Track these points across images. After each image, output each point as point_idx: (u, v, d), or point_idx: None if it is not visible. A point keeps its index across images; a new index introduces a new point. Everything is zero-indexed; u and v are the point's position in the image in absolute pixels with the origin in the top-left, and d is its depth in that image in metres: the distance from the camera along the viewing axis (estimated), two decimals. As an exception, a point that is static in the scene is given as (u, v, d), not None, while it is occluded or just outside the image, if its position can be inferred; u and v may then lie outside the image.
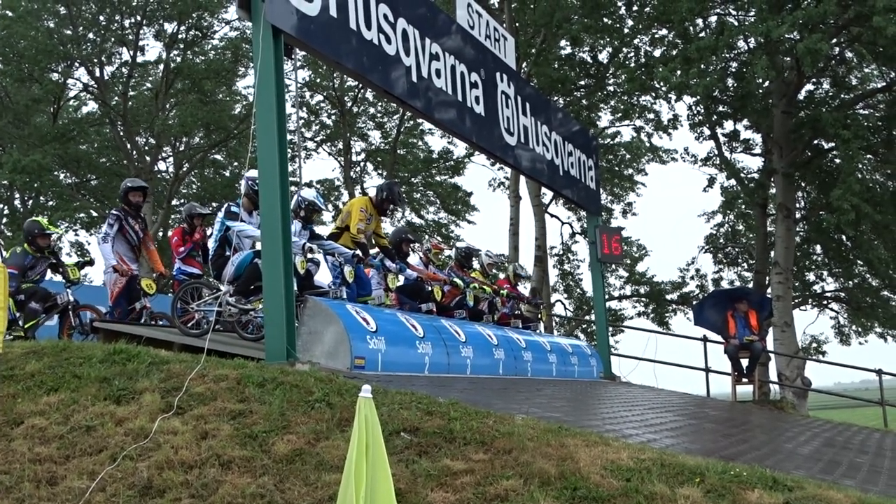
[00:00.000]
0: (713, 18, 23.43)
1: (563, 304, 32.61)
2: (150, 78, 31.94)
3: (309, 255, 9.03)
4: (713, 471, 5.08)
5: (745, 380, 15.27)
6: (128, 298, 10.66)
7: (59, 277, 10.76)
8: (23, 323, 10.00)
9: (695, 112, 26.16)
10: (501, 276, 14.34)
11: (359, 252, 9.80)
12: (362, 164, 35.30)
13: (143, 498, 5.00)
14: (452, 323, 10.55)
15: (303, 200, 9.66)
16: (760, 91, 23.68)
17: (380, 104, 33.04)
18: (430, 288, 11.59)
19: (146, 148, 30.98)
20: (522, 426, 5.80)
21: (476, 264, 13.80)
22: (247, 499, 4.90)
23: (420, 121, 30.48)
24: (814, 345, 29.74)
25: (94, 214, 31.61)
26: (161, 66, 30.17)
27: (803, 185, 25.63)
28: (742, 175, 27.12)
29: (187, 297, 9.31)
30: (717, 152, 27.31)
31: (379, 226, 10.89)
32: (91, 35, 29.00)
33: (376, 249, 11.00)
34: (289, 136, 7.80)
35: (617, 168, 32.08)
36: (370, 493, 3.72)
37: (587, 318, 30.15)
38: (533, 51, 26.29)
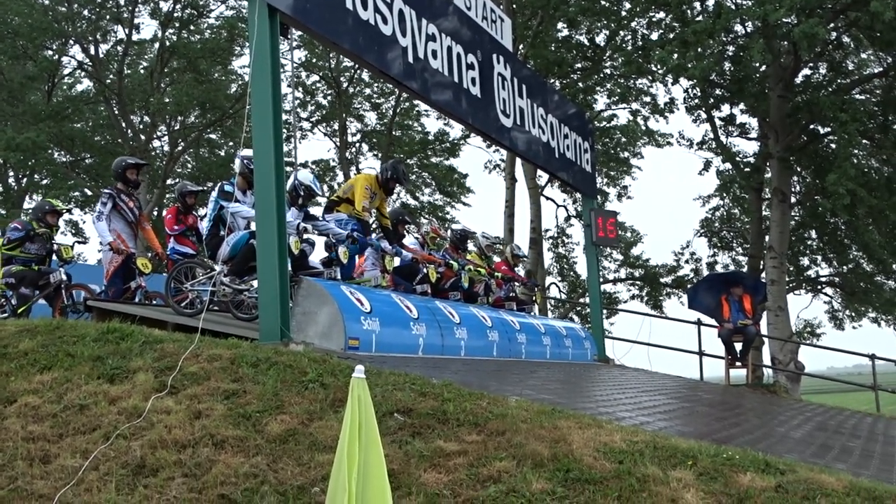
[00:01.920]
0: (710, 1, 23.32)
1: (557, 286, 32.58)
2: (146, 56, 31.76)
3: (304, 236, 9.02)
4: (706, 454, 5.10)
5: (738, 363, 15.32)
6: (123, 277, 10.61)
7: (53, 256, 10.75)
8: (16, 304, 10.02)
9: (691, 95, 26.13)
10: (497, 258, 14.30)
11: (353, 233, 9.76)
12: (358, 145, 35.23)
13: (137, 477, 5.01)
14: (447, 304, 10.55)
15: (300, 185, 9.58)
16: (757, 75, 23.65)
17: (376, 85, 32.90)
18: (425, 269, 11.58)
19: (141, 127, 30.79)
20: (516, 408, 5.81)
21: (473, 246, 13.77)
22: (240, 478, 4.91)
23: (416, 102, 30.35)
24: (808, 329, 29.82)
25: (89, 193, 31.47)
26: (156, 45, 29.95)
27: (799, 169, 25.64)
28: (738, 159, 27.12)
29: (181, 276, 9.29)
30: (713, 136, 27.33)
31: (383, 204, 10.89)
32: (86, 12, 28.77)
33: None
34: (284, 117, 7.76)
35: (613, 151, 31.99)
36: (363, 474, 3.72)
37: (582, 300, 30.16)
38: (530, 33, 26.15)
